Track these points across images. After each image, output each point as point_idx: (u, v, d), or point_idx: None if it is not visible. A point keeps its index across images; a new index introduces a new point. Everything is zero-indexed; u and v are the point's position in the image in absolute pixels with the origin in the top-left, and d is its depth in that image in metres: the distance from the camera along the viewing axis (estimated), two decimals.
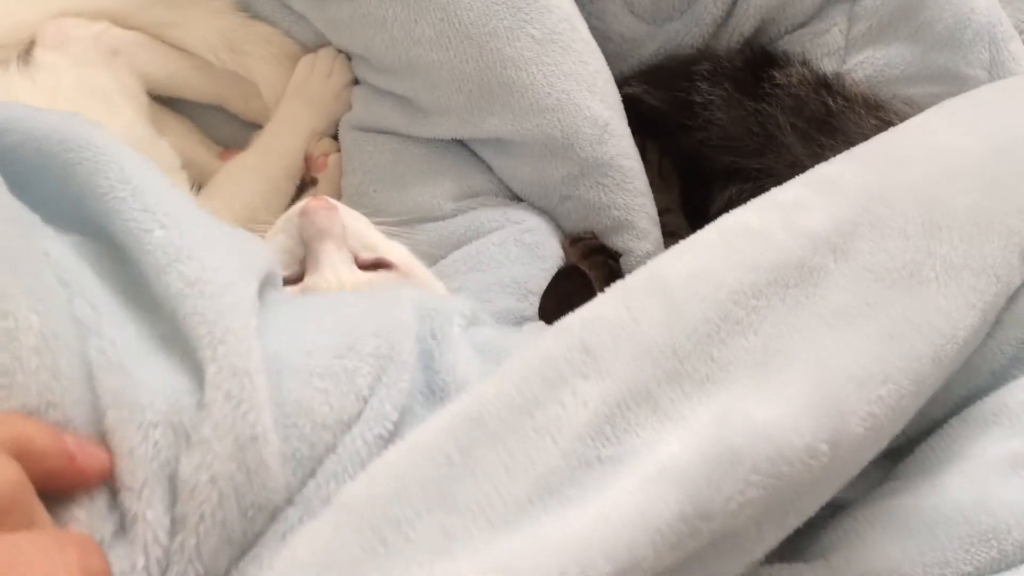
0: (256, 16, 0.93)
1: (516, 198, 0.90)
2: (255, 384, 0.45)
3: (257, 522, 0.45)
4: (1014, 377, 0.61)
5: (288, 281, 0.71)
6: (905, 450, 0.62)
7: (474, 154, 0.89)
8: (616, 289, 0.53)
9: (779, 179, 0.89)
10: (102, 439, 0.44)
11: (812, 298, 0.53)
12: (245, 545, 0.45)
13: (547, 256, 0.84)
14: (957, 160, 0.61)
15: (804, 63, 0.92)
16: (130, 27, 0.91)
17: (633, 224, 0.88)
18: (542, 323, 0.77)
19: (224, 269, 0.49)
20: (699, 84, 0.92)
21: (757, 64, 0.92)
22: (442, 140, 0.89)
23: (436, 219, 0.87)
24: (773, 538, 0.51)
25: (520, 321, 0.79)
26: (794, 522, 0.51)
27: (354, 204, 0.90)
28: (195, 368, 0.46)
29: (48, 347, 0.43)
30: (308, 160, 0.95)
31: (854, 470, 0.54)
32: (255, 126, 0.97)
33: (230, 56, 0.92)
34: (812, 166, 0.88)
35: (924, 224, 0.56)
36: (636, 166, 0.89)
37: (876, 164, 0.61)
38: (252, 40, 0.92)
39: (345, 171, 0.93)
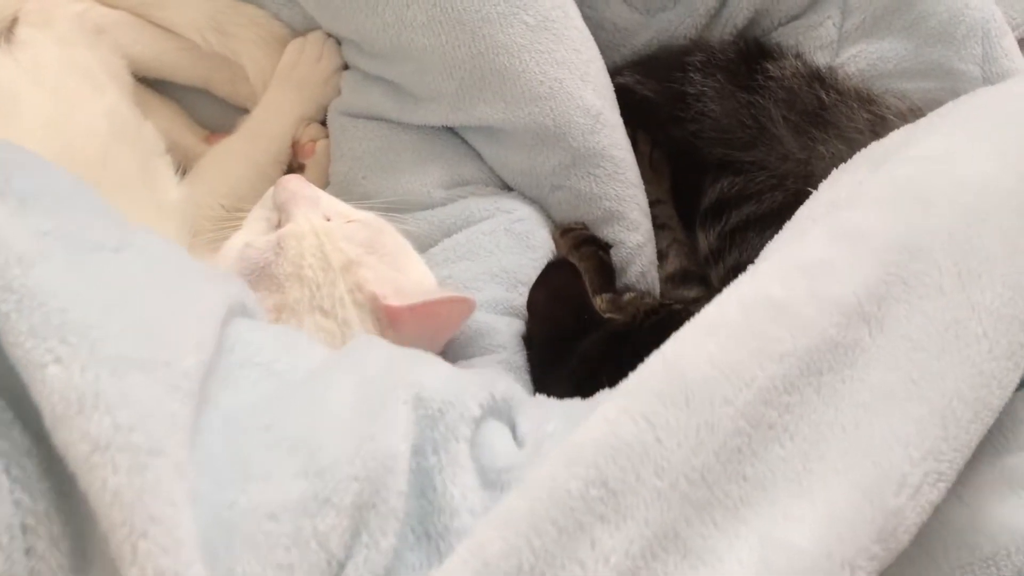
0: None
1: (506, 187, 0.89)
2: None
3: None
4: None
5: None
6: None
7: (465, 142, 0.88)
8: (632, 393, 0.47)
9: (771, 172, 0.90)
10: None
11: (850, 382, 0.48)
12: None
13: (537, 246, 0.83)
14: (985, 193, 0.56)
15: (797, 56, 0.92)
16: (115, 6, 0.89)
17: (624, 215, 0.87)
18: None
19: (146, 422, 0.38)
20: (692, 75, 0.91)
21: (750, 56, 0.91)
22: (432, 127, 0.87)
23: (426, 207, 0.86)
24: None
25: (509, 311, 0.78)
26: None
27: (343, 191, 0.89)
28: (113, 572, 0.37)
29: None
30: (295, 146, 0.93)
31: None
32: (241, 110, 0.96)
33: (217, 38, 0.90)
34: (804, 159, 0.89)
35: (960, 274, 0.51)
36: (628, 157, 0.88)
37: (901, 207, 0.56)
38: (240, 22, 0.91)
39: (333, 157, 0.91)
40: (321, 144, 0.92)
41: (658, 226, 0.93)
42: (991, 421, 0.49)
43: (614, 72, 0.93)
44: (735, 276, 0.87)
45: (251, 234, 0.73)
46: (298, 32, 0.92)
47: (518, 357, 0.75)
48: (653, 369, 0.49)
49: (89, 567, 0.39)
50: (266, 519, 0.40)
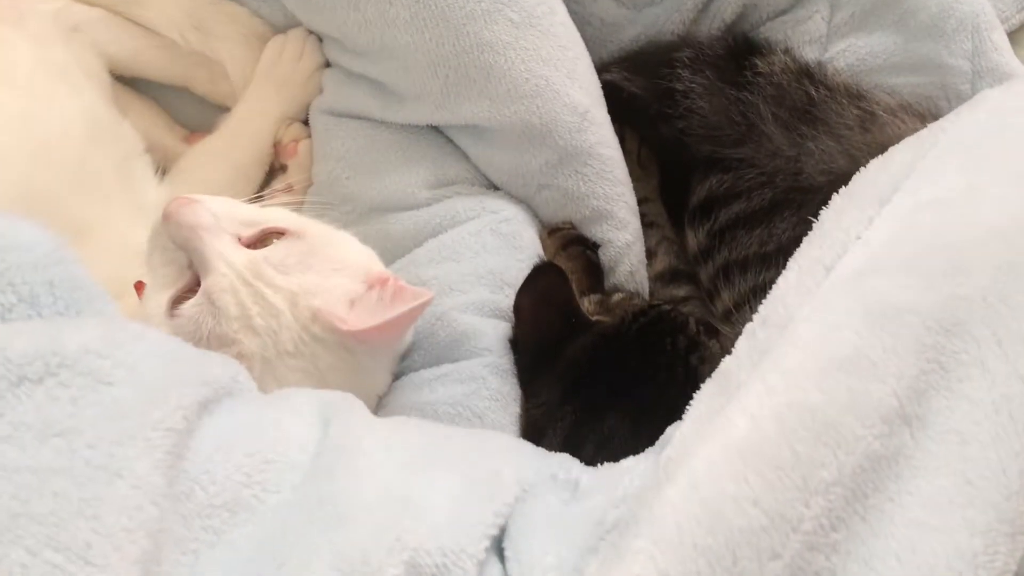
0: None
1: (493, 187, 0.87)
2: None
3: None
4: None
5: (183, 294, 0.66)
6: None
7: (450, 141, 0.87)
8: (669, 544, 0.42)
9: (760, 169, 0.89)
10: None
11: (898, 499, 0.44)
12: None
13: (524, 247, 0.82)
14: (1014, 238, 0.52)
15: (786, 51, 0.91)
16: (92, 4, 0.87)
17: (612, 214, 0.86)
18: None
19: None
20: (680, 71, 0.90)
21: (739, 51, 0.90)
22: (417, 126, 0.86)
23: (411, 207, 0.85)
24: None
25: (495, 313, 0.77)
26: None
27: (326, 192, 0.88)
28: None
29: None
30: (277, 146, 0.92)
31: None
32: (222, 109, 0.94)
33: (196, 36, 0.89)
34: (793, 156, 0.88)
35: (1002, 342, 0.48)
36: (616, 155, 0.87)
37: (931, 273, 0.51)
38: (219, 20, 0.89)
39: (316, 158, 0.90)
40: (304, 144, 0.91)
41: (646, 224, 0.92)
42: None
43: (601, 69, 0.91)
44: (724, 275, 0.88)
45: (163, 286, 0.67)
46: (279, 29, 0.91)
47: (505, 360, 0.74)
48: (689, 510, 0.43)
49: None
50: None
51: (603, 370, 0.73)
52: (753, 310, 0.85)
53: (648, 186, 0.96)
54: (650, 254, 0.92)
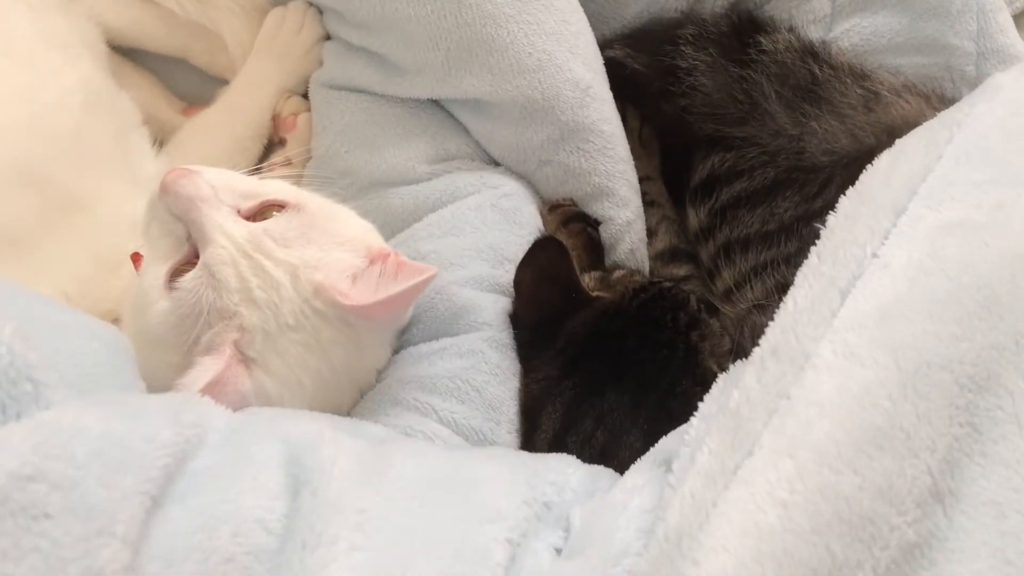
0: None
1: (493, 162, 0.87)
2: None
3: None
4: None
5: (181, 267, 0.65)
6: None
7: (451, 116, 0.86)
8: None
9: (762, 148, 0.89)
10: None
11: None
12: None
13: (524, 223, 0.81)
14: None
15: (791, 29, 0.90)
16: None
17: (613, 191, 0.85)
18: None
19: None
20: (683, 48, 0.89)
21: (743, 29, 0.89)
22: (418, 100, 0.85)
23: (410, 182, 0.84)
24: None
25: (495, 287, 0.76)
26: None
27: (326, 166, 0.87)
28: None
29: None
30: (276, 120, 0.91)
31: None
32: (220, 81, 0.93)
33: (195, 6, 0.88)
34: (796, 135, 0.87)
35: None
36: (617, 132, 0.86)
37: (962, 316, 0.48)
38: None
39: (315, 131, 0.89)
40: (303, 118, 0.90)
41: (647, 203, 0.92)
42: None
43: (603, 45, 0.90)
44: (726, 254, 0.88)
45: (161, 258, 0.66)
46: (279, 1, 0.90)
47: (504, 335, 0.74)
48: None
49: None
50: None
51: (603, 345, 0.72)
52: (753, 289, 0.86)
53: (649, 165, 0.96)
54: (651, 233, 0.91)
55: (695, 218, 0.90)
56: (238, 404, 0.63)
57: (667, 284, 0.78)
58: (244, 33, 0.90)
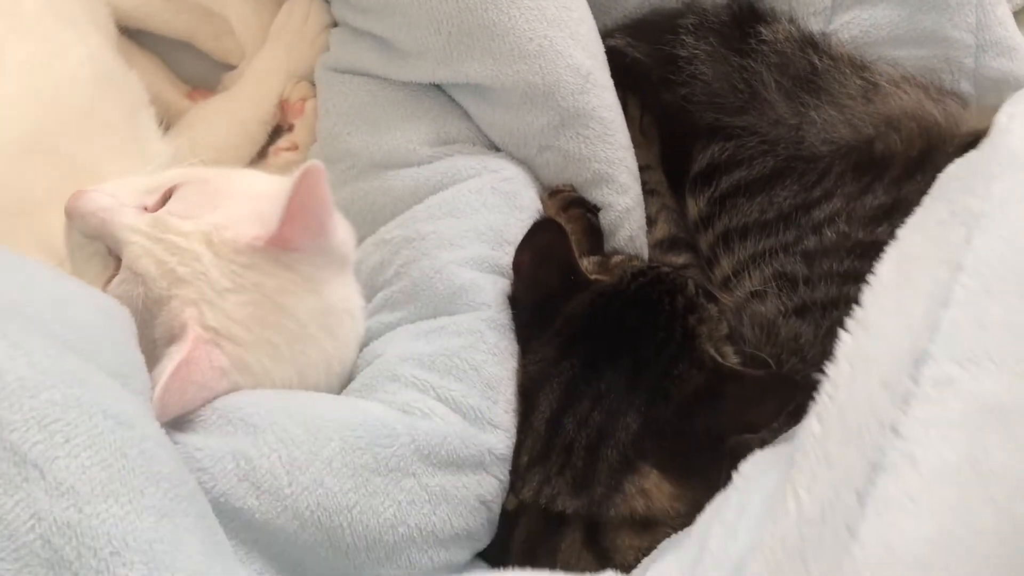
0: None
1: (494, 147, 0.87)
2: None
3: None
4: None
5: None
6: None
7: (452, 100, 0.87)
8: None
9: (762, 137, 0.89)
10: None
11: None
12: None
13: (524, 206, 0.81)
14: None
15: (791, 20, 0.91)
16: None
17: (613, 178, 0.86)
18: None
19: None
20: (684, 38, 0.90)
21: (744, 19, 0.90)
22: (420, 84, 0.86)
23: (411, 164, 0.84)
24: None
25: (494, 268, 0.77)
26: None
27: (327, 148, 0.88)
28: None
29: None
30: (285, 105, 0.92)
31: None
32: (224, 65, 0.94)
33: None
34: (795, 124, 0.88)
35: None
36: (618, 119, 0.87)
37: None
38: None
39: (319, 113, 0.90)
40: (311, 103, 0.91)
41: (647, 192, 0.92)
42: None
43: (605, 34, 0.91)
44: (724, 242, 0.88)
45: (93, 282, 0.67)
46: None
47: (503, 316, 0.74)
48: None
49: None
50: None
51: (601, 327, 0.73)
52: (751, 277, 0.86)
53: (649, 153, 0.96)
54: (650, 221, 0.92)
55: (694, 207, 0.91)
56: (220, 382, 0.64)
57: (665, 268, 0.79)
58: (251, 17, 0.91)
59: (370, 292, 0.80)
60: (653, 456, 0.69)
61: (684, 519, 0.69)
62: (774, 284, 0.83)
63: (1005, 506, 0.39)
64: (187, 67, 0.95)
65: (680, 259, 0.92)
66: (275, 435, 0.62)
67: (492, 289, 0.75)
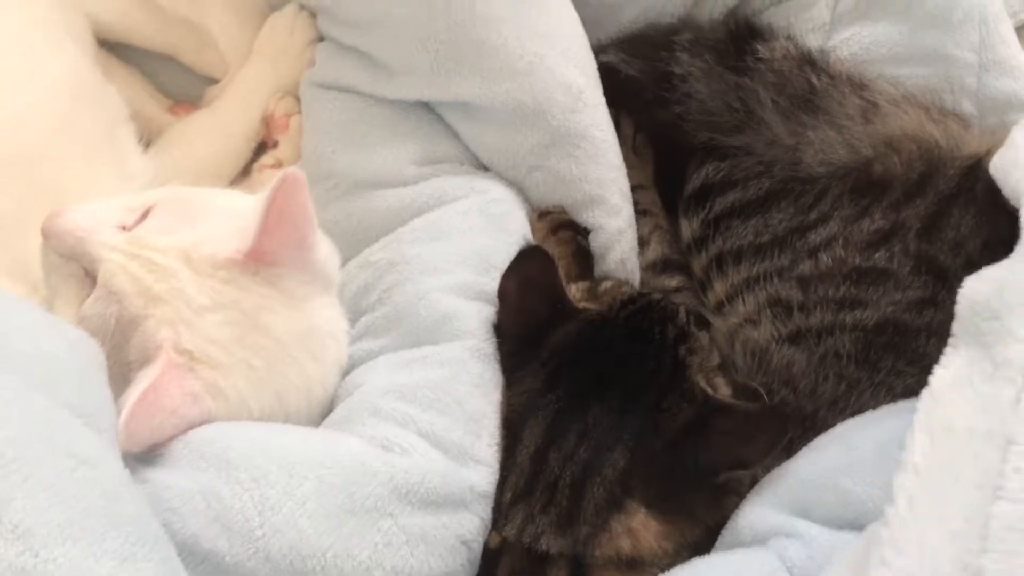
0: None
1: (482, 167, 0.85)
2: None
3: None
4: None
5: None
6: None
7: (440, 119, 0.84)
8: None
9: (757, 158, 0.87)
10: None
11: None
12: None
13: (512, 229, 0.79)
14: None
15: (789, 37, 0.89)
16: None
17: (605, 199, 0.84)
18: None
19: None
20: (679, 55, 0.87)
21: (740, 36, 0.88)
22: (407, 102, 0.84)
23: (397, 184, 0.82)
24: None
25: (479, 295, 0.74)
26: None
27: (312, 166, 0.86)
28: None
29: None
30: (270, 120, 0.90)
31: None
32: (207, 79, 0.92)
33: (186, 4, 0.86)
34: (792, 145, 0.85)
35: None
36: (610, 138, 0.85)
37: None
38: None
39: (304, 130, 0.87)
40: (295, 119, 0.89)
41: (639, 212, 0.90)
42: None
43: (598, 50, 0.89)
44: (718, 266, 0.86)
45: (69, 303, 0.66)
46: (273, 5, 0.88)
47: (487, 345, 0.72)
48: None
49: None
50: None
51: (588, 358, 0.71)
52: (745, 303, 0.84)
53: (642, 173, 0.94)
54: (642, 242, 0.89)
55: (688, 228, 0.89)
56: (192, 409, 0.62)
57: (656, 296, 0.77)
58: (235, 30, 0.89)
59: (354, 315, 0.78)
60: (641, 493, 0.66)
61: (671, 559, 0.67)
62: (768, 310, 0.81)
63: None
64: (169, 80, 0.92)
65: (673, 282, 0.89)
66: (248, 473, 0.60)
67: (476, 317, 0.73)
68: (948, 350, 0.51)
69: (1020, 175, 0.62)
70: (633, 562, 0.66)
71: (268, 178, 0.89)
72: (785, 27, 0.93)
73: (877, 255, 0.79)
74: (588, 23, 0.88)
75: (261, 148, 0.92)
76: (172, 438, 0.62)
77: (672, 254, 0.91)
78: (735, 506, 0.69)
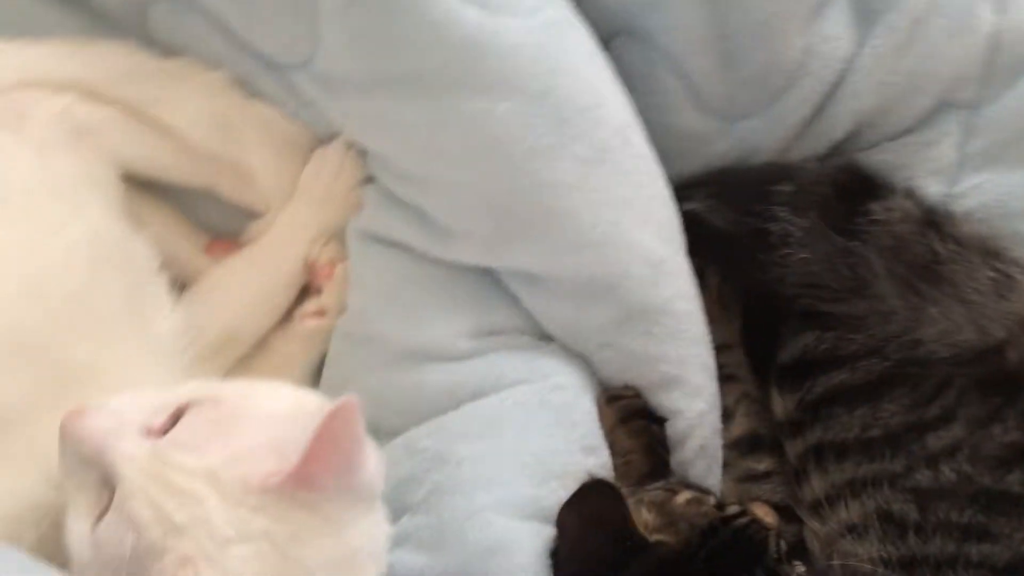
0: (256, 94, 0.79)
1: (546, 336, 0.75)
2: None
3: None
4: None
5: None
6: None
7: (499, 283, 0.75)
8: None
9: (868, 333, 0.75)
10: None
11: None
12: None
13: (578, 421, 0.69)
14: None
15: (908, 194, 0.77)
16: (104, 101, 0.77)
17: (685, 380, 0.73)
18: None
19: None
20: (778, 210, 0.76)
21: (852, 192, 0.76)
22: (464, 264, 0.74)
23: (449, 359, 0.73)
24: None
25: (536, 514, 0.64)
26: None
27: (356, 325, 0.79)
28: None
29: None
30: (313, 267, 0.81)
31: None
32: (246, 212, 0.83)
33: (222, 140, 0.79)
34: (910, 321, 0.74)
35: None
36: (693, 308, 0.74)
37: None
38: (249, 123, 0.79)
39: (351, 283, 0.79)
40: (340, 268, 0.80)
41: (724, 377, 0.79)
42: None
43: (682, 194, 0.78)
44: (816, 459, 0.74)
45: (84, 515, 0.58)
46: (317, 136, 0.80)
47: None
48: None
49: None
50: None
51: None
52: (848, 508, 0.73)
53: (728, 330, 0.82)
54: (727, 414, 0.79)
55: (781, 406, 0.77)
56: None
57: (742, 521, 0.65)
58: (277, 167, 0.80)
59: (396, 508, 0.69)
60: None
61: None
62: (877, 524, 0.70)
63: None
64: (207, 214, 0.84)
65: (761, 465, 0.78)
66: None
67: (531, 546, 0.63)
68: None
69: None
70: None
71: (310, 329, 0.82)
72: (903, 167, 0.80)
73: (1011, 477, 0.67)
74: (672, 156, 0.78)
75: (303, 290, 0.83)
76: None
77: (761, 428, 0.80)
78: None
